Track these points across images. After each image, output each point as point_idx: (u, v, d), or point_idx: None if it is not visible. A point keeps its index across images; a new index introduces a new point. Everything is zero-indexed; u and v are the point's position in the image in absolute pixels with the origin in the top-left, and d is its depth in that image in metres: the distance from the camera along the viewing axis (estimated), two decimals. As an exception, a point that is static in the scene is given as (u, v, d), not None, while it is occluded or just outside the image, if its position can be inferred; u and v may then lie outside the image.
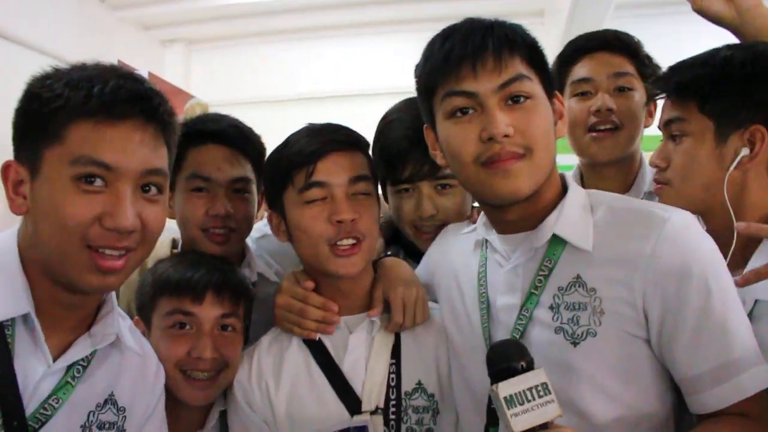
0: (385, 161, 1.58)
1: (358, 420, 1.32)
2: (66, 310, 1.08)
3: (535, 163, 1.13)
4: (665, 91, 1.34)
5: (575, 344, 1.10)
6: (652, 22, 5.54)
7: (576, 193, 1.21)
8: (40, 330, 1.03)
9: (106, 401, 1.13)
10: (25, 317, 1.02)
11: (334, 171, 1.35)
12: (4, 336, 0.98)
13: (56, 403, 1.04)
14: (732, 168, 1.24)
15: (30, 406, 1.02)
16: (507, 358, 0.97)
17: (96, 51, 4.81)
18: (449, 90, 1.14)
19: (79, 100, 0.98)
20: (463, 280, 1.35)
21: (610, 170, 1.77)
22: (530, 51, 1.16)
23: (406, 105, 1.62)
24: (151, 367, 1.29)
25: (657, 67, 1.76)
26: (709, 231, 1.18)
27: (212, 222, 1.62)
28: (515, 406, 0.92)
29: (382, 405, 1.35)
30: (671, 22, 4.86)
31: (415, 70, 1.26)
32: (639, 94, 1.73)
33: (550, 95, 1.20)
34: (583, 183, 1.80)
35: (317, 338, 1.41)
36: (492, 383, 0.97)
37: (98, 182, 0.99)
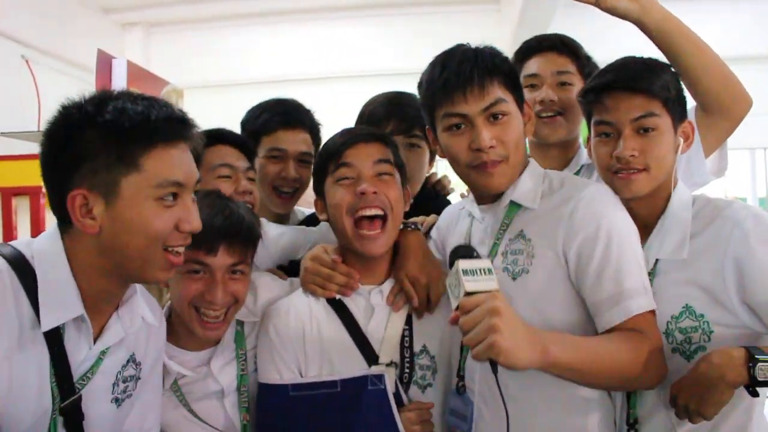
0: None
1: (375, 369, 1.61)
2: (109, 297, 1.28)
3: (510, 166, 1.52)
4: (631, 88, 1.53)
5: (514, 279, 1.49)
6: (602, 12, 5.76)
7: (533, 167, 1.59)
8: (89, 324, 1.22)
9: (128, 361, 1.35)
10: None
11: (360, 155, 1.64)
12: (58, 329, 1.18)
13: (91, 374, 1.26)
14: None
15: (75, 376, 1.23)
16: (463, 251, 1.33)
17: (56, 34, 4.86)
18: (447, 111, 1.51)
19: (151, 132, 1.15)
20: (457, 239, 1.70)
21: (553, 150, 2.09)
22: (506, 76, 1.51)
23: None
24: (161, 327, 1.50)
25: (595, 66, 2.07)
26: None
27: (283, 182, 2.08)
28: (468, 275, 1.25)
29: (397, 360, 1.63)
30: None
31: (419, 88, 1.61)
32: (578, 89, 1.94)
33: (521, 105, 1.57)
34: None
35: (337, 297, 1.67)
36: (452, 266, 1.29)
37: (172, 198, 1.19)
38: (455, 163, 1.56)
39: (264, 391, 1.66)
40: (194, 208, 1.23)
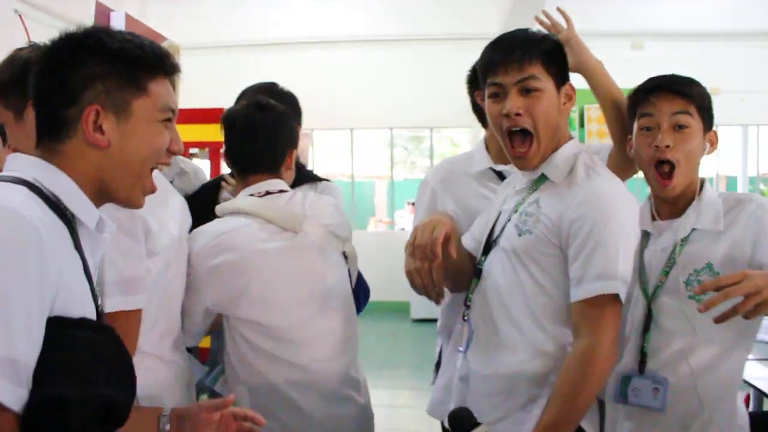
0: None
1: None
2: None
3: (541, 143, 1.77)
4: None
5: (519, 235, 1.79)
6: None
7: (570, 147, 1.84)
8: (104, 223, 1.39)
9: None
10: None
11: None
12: (77, 234, 1.31)
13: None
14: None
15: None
16: (462, 422, 1.56)
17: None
18: (489, 81, 1.80)
19: (156, 61, 1.37)
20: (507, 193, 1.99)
21: None
22: (548, 59, 1.77)
23: None
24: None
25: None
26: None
27: None
28: None
29: None
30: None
31: (477, 63, 1.90)
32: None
33: (560, 85, 1.80)
34: None
35: None
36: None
37: (168, 121, 1.41)
38: (496, 131, 1.82)
39: None
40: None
